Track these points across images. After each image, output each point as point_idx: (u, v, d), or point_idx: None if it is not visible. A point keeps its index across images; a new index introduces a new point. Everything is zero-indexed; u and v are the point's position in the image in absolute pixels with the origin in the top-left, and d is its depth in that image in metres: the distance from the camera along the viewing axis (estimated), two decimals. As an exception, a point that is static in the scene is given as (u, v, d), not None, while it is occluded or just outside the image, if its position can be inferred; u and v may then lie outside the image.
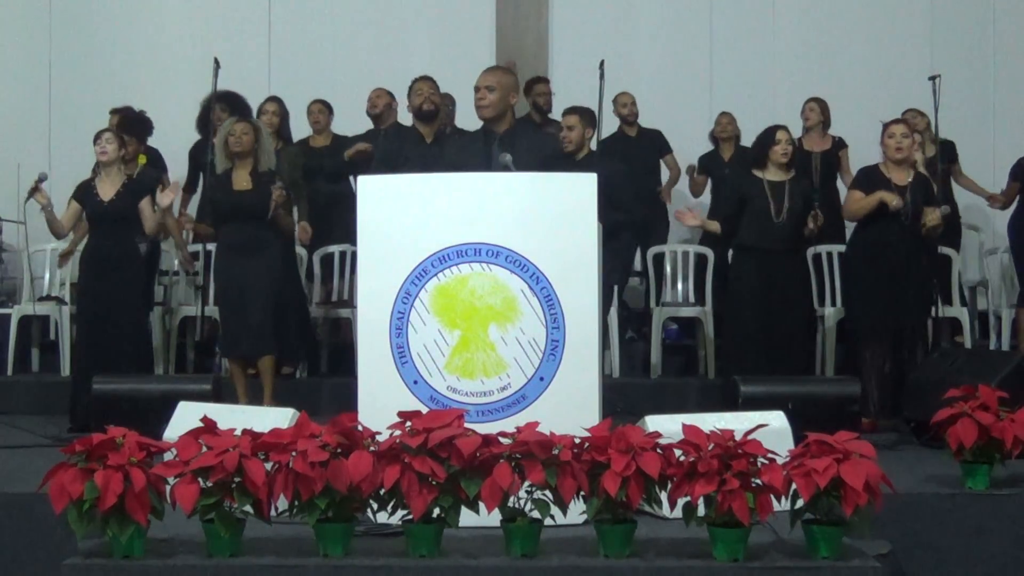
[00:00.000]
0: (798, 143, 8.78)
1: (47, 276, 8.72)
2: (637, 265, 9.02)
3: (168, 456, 4.11)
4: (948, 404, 5.01)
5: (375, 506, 4.08)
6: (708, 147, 9.22)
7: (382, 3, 10.27)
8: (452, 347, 4.56)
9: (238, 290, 7.01)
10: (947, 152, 8.52)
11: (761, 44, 10.17)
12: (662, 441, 4.07)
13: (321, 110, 8.84)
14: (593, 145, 7.64)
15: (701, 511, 3.98)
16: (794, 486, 3.94)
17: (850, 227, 7.44)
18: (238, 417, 4.41)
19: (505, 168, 5.29)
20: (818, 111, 8.78)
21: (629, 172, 8.03)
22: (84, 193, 7.02)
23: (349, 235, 7.20)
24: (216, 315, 7.61)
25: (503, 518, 4.05)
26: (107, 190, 6.96)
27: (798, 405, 5.45)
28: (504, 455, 3.99)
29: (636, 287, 9.38)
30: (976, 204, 8.86)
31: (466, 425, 4.06)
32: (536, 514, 4.03)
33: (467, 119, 7.99)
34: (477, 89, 5.75)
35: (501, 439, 4.05)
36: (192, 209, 8.60)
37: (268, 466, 3.98)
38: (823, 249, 8.31)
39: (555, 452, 4.00)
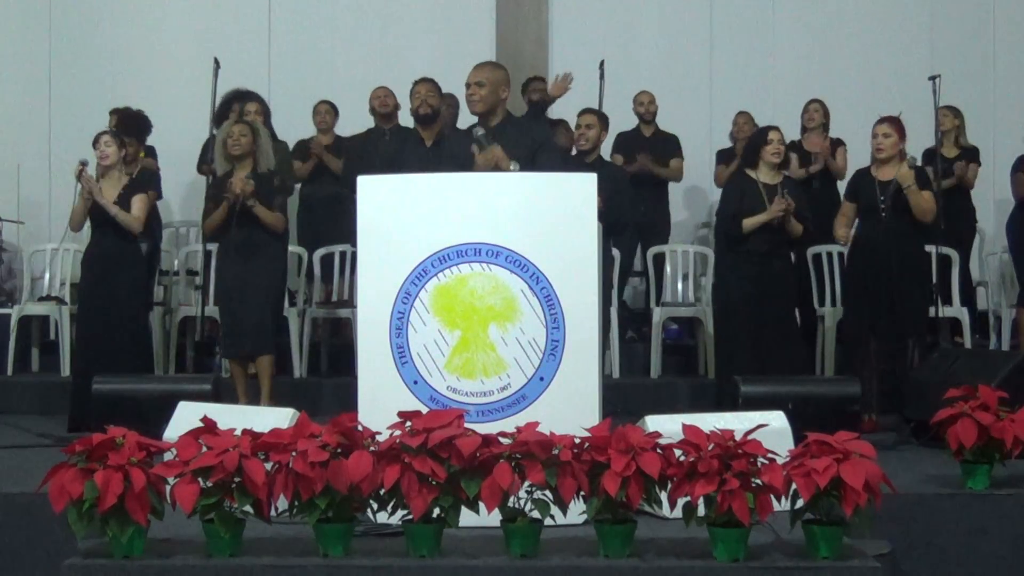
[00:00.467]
0: (798, 144, 8.82)
1: (47, 276, 8.73)
2: (637, 265, 9.04)
3: (168, 456, 4.11)
4: (948, 404, 5.00)
5: (375, 506, 4.08)
6: (707, 147, 9.23)
7: (382, 3, 10.27)
8: (452, 347, 4.56)
9: (238, 290, 7.01)
10: (969, 155, 8.52)
11: (761, 44, 10.17)
12: (662, 441, 4.07)
13: (328, 110, 8.88)
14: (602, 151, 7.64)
15: (701, 511, 3.98)
16: (794, 486, 3.94)
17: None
18: (238, 417, 4.41)
19: (477, 142, 5.45)
20: (822, 112, 8.79)
21: (632, 174, 8.06)
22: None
23: (349, 235, 7.21)
24: (216, 315, 7.61)
25: (503, 518, 4.05)
26: (109, 192, 6.97)
27: (798, 405, 5.45)
28: (504, 455, 3.99)
29: (636, 287, 9.39)
30: (978, 204, 8.84)
31: (466, 425, 4.06)
32: (536, 514, 4.03)
33: (467, 119, 8.01)
34: (468, 85, 5.84)
35: (501, 439, 4.05)
36: (195, 206, 8.60)
37: (268, 466, 3.98)
38: (823, 249, 8.31)
39: (555, 452, 4.00)
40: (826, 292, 8.31)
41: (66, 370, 7.97)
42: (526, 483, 3.99)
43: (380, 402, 4.42)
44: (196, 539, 4.10)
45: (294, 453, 3.97)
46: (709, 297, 8.25)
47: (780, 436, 4.51)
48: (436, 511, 4.02)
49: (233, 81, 8.29)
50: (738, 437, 4.00)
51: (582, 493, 4.01)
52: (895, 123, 6.96)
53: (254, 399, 6.96)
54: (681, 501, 4.01)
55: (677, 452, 4.04)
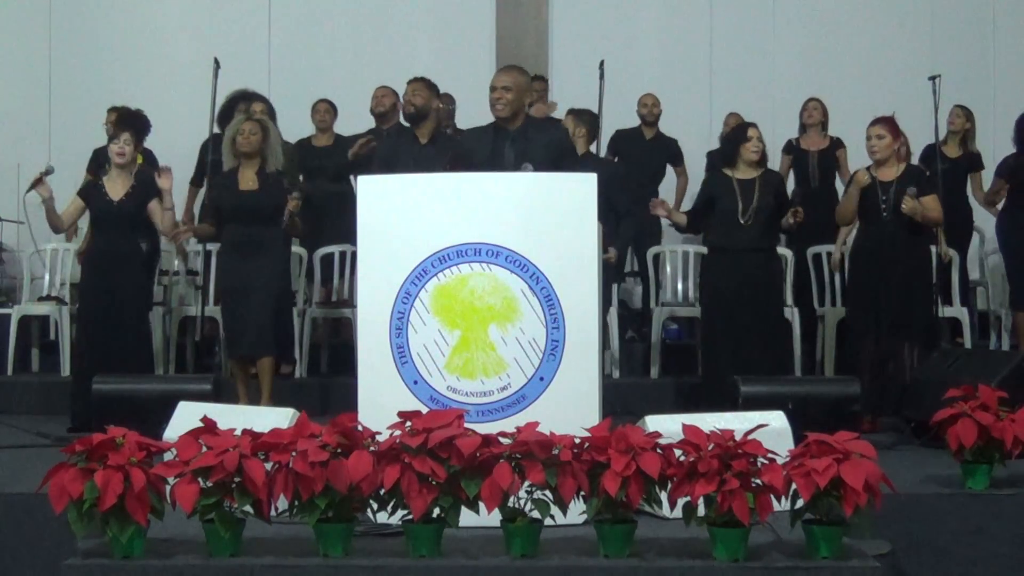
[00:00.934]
0: (796, 142, 8.82)
1: (47, 276, 8.72)
2: (635, 265, 9.04)
3: (168, 456, 4.11)
4: (948, 404, 5.00)
5: (375, 506, 4.08)
6: (707, 147, 9.23)
7: (382, 3, 10.27)
8: (452, 347, 4.56)
9: (241, 290, 6.99)
10: (973, 161, 8.52)
11: (761, 44, 10.18)
12: (662, 441, 4.06)
13: (327, 110, 8.86)
14: (594, 147, 7.64)
15: (701, 511, 3.98)
16: (794, 486, 3.94)
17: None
18: (238, 417, 4.41)
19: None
20: (821, 110, 8.79)
21: (626, 172, 8.04)
22: (91, 192, 7.01)
23: (349, 235, 7.20)
24: (216, 315, 7.61)
25: (503, 518, 4.05)
26: (117, 190, 6.96)
27: (798, 405, 5.45)
28: (504, 455, 3.99)
29: (632, 288, 9.39)
30: (975, 205, 8.83)
31: (466, 425, 4.06)
32: (536, 514, 4.02)
33: (467, 119, 8.01)
34: (494, 88, 5.82)
35: (501, 439, 4.05)
36: (196, 204, 8.60)
37: (268, 466, 3.98)
38: (823, 249, 8.31)
39: (555, 452, 4.00)
40: (826, 292, 8.31)
41: (66, 370, 7.97)
42: (526, 483, 3.99)
43: (380, 402, 4.42)
44: (196, 539, 4.09)
45: (294, 453, 3.97)
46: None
47: (780, 436, 4.51)
48: (436, 511, 4.01)
49: (233, 81, 8.29)
50: (738, 437, 4.00)
51: (582, 493, 4.01)
52: (888, 124, 6.93)
53: (255, 399, 6.96)
54: (681, 501, 4.01)
55: (677, 452, 4.04)
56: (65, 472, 3.93)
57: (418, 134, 7.43)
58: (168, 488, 3.98)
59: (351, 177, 8.08)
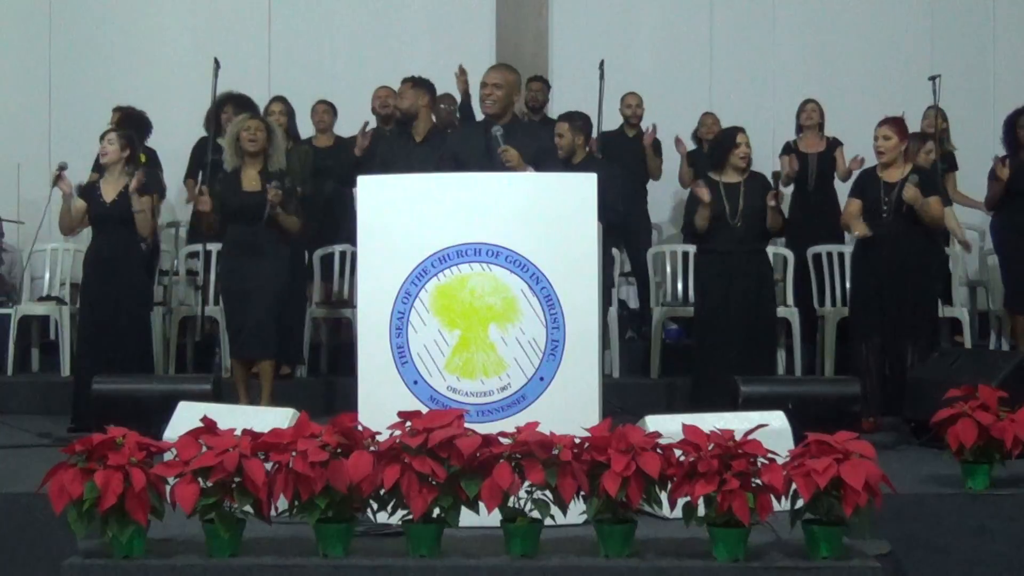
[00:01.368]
0: (794, 144, 8.82)
1: (47, 276, 8.72)
2: (632, 266, 9.04)
3: (168, 456, 4.12)
4: (948, 404, 5.00)
5: (375, 506, 4.09)
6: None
7: (382, 3, 10.27)
8: (452, 347, 4.56)
9: (243, 291, 6.95)
10: (946, 161, 8.51)
11: (761, 44, 10.17)
12: (662, 441, 4.07)
13: (326, 110, 8.85)
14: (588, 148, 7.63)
15: (701, 511, 3.98)
16: (794, 486, 3.94)
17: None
18: (238, 417, 4.41)
19: (494, 140, 5.53)
20: (818, 112, 8.79)
21: (622, 175, 8.04)
22: (89, 193, 7.02)
23: (349, 235, 7.20)
24: (216, 315, 7.60)
25: (503, 518, 4.05)
26: (110, 191, 6.95)
27: (798, 405, 5.45)
28: (504, 455, 3.99)
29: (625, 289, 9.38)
30: (975, 204, 8.83)
31: (466, 425, 4.06)
32: (536, 514, 4.03)
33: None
34: (484, 85, 5.86)
35: (501, 439, 4.05)
36: (188, 208, 8.60)
37: (268, 466, 3.98)
38: (823, 249, 8.31)
39: (555, 452, 4.00)
40: (826, 292, 8.31)
41: (66, 370, 7.97)
42: (526, 483, 3.99)
43: (380, 402, 4.42)
44: (196, 539, 4.09)
45: (294, 453, 3.97)
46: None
47: (780, 436, 4.51)
48: (436, 511, 4.02)
49: (233, 81, 8.29)
50: (738, 437, 4.00)
51: (582, 493, 4.02)
52: (896, 124, 6.95)
53: (255, 399, 6.95)
54: (681, 501, 4.01)
55: (677, 452, 4.04)
56: (65, 472, 3.93)
57: (413, 134, 7.43)
58: (168, 488, 3.98)
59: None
